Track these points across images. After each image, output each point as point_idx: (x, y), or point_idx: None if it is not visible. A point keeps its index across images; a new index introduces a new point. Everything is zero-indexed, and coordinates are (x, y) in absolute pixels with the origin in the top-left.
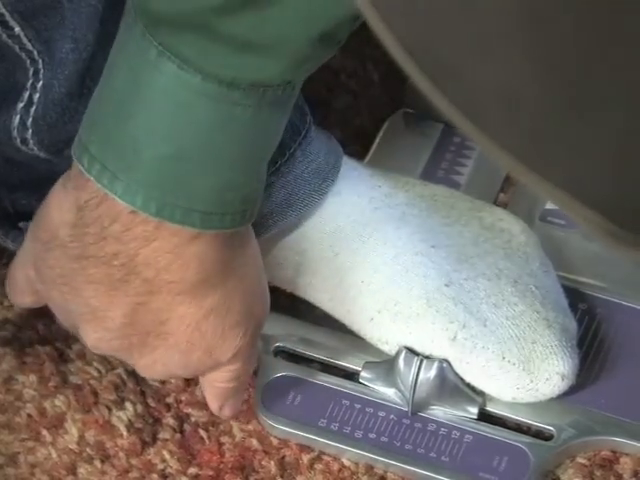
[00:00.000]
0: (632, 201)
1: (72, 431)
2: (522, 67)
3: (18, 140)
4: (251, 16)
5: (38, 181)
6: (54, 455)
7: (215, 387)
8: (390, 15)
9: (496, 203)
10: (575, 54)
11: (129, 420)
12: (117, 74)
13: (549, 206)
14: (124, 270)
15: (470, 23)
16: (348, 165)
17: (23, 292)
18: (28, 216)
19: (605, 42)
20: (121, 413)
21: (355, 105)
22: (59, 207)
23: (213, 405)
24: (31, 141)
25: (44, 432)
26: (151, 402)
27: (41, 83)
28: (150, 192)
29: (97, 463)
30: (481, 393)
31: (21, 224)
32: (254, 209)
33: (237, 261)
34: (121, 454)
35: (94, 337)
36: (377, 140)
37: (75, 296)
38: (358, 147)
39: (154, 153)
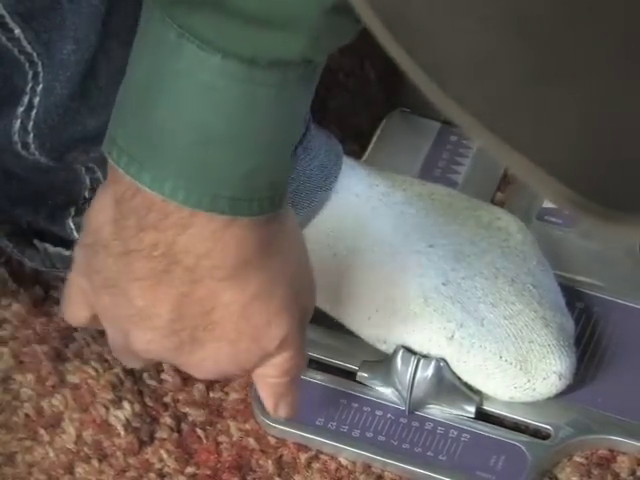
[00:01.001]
0: (595, 170)
1: (69, 430)
2: (495, 31)
3: (19, 145)
4: None
5: (36, 195)
6: (52, 454)
7: (267, 383)
8: None
9: (493, 202)
10: (548, 21)
11: (126, 419)
12: (139, 63)
13: (546, 205)
14: (165, 260)
15: None
16: (345, 164)
17: (78, 306)
18: (41, 234)
19: (577, 10)
20: (118, 412)
21: (352, 104)
22: (101, 207)
23: (268, 404)
24: (32, 145)
25: (41, 431)
26: (148, 401)
27: (41, 86)
28: (177, 180)
29: (95, 462)
30: (478, 392)
31: (35, 241)
32: (283, 195)
33: (278, 244)
34: (118, 453)
35: (145, 340)
36: (374, 139)
37: (122, 297)
38: (355, 146)
39: (179, 139)
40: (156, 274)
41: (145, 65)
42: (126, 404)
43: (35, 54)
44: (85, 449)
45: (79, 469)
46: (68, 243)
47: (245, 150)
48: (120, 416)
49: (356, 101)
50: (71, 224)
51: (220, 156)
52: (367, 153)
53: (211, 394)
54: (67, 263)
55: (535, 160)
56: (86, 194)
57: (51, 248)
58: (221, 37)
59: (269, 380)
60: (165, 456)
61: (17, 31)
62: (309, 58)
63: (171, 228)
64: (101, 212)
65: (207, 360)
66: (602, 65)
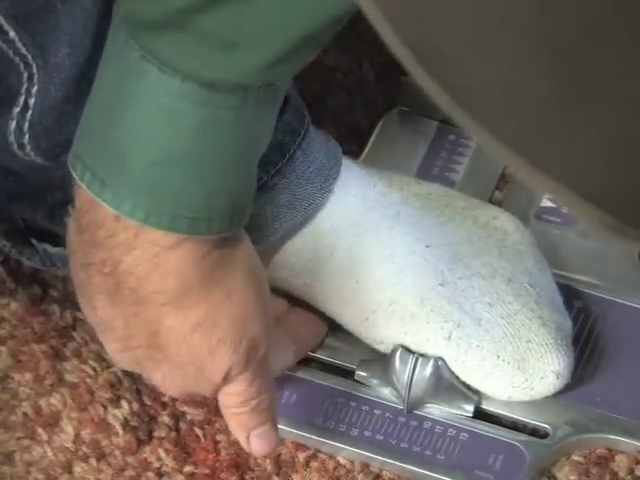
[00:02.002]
0: (630, 194)
1: (68, 429)
2: (525, 58)
3: (15, 145)
4: (229, 14)
5: (34, 192)
6: (50, 453)
7: (231, 414)
8: (389, 7)
9: (491, 201)
10: (577, 45)
11: (125, 418)
12: (104, 81)
13: (544, 204)
14: (113, 278)
15: (472, 13)
16: (343, 164)
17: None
18: (39, 232)
19: (606, 31)
20: (117, 411)
21: (350, 103)
22: (71, 216)
23: (239, 437)
24: (28, 146)
25: (40, 430)
26: (147, 400)
27: (36, 88)
28: (137, 198)
29: (93, 461)
30: (477, 391)
31: (33, 241)
32: (243, 214)
33: (221, 274)
34: (117, 452)
35: (110, 349)
36: (372, 138)
37: (89, 306)
38: (353, 145)
39: (140, 159)
40: (108, 290)
41: (109, 83)
42: (124, 403)
43: (30, 56)
44: (83, 448)
45: (77, 468)
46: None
47: (205, 171)
48: (118, 415)
49: (354, 100)
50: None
51: (180, 176)
52: (365, 152)
53: None
54: (67, 261)
55: (571, 186)
56: None
57: (51, 248)
58: (181, 60)
59: (231, 410)
60: (163, 455)
61: (12, 33)
62: (270, 82)
63: (117, 247)
64: (70, 221)
65: (166, 380)
66: (633, 87)
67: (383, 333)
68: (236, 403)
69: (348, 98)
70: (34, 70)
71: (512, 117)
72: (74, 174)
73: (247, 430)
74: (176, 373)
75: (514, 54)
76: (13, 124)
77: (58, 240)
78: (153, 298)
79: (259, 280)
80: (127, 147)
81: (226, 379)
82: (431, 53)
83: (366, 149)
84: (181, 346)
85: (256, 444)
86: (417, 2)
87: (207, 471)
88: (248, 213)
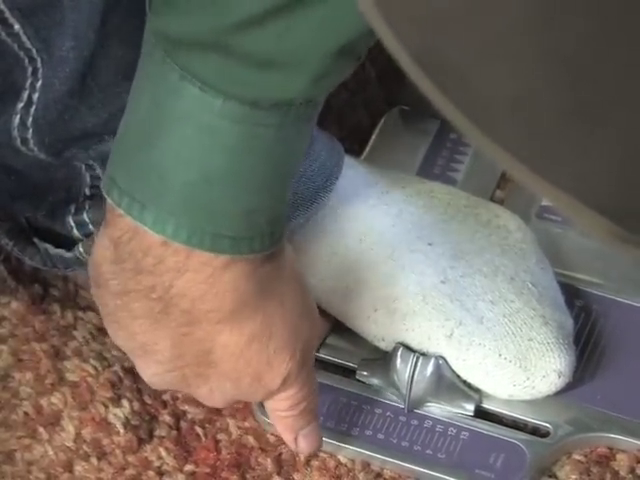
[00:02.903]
0: (638, 203)
1: (68, 428)
2: (532, 70)
3: (18, 140)
4: (268, 32)
5: (35, 191)
6: (51, 452)
7: (280, 418)
8: (395, 19)
9: (492, 200)
10: (584, 55)
11: (125, 417)
12: (140, 103)
13: (546, 203)
14: (162, 303)
15: (479, 27)
16: (345, 162)
17: None
18: (41, 232)
19: (613, 42)
20: (117, 410)
21: (352, 102)
22: (101, 245)
23: (287, 438)
24: (31, 141)
25: (40, 429)
26: (147, 399)
27: (40, 82)
28: (179, 220)
29: (94, 460)
30: (477, 390)
31: (35, 240)
32: (282, 230)
33: (274, 285)
34: (117, 451)
35: (149, 373)
36: (373, 137)
37: (124, 332)
38: (354, 144)
39: (180, 179)
40: (154, 314)
41: (145, 104)
42: (125, 402)
43: (34, 50)
44: (84, 447)
45: (78, 467)
46: (69, 243)
47: (245, 189)
48: (119, 414)
49: (355, 99)
50: (71, 222)
51: (220, 195)
52: (366, 151)
53: None
54: (68, 264)
55: (580, 198)
56: (86, 191)
57: (52, 249)
58: (223, 80)
59: (280, 414)
60: (164, 454)
61: (17, 27)
62: (310, 98)
63: (167, 272)
64: (100, 249)
65: (214, 392)
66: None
67: (384, 330)
68: (285, 407)
69: (349, 97)
70: (38, 64)
71: (519, 127)
72: (110, 201)
73: (295, 432)
74: (228, 386)
75: (523, 68)
76: (17, 119)
77: (59, 240)
78: (208, 317)
79: (305, 285)
80: (166, 167)
81: (282, 386)
82: (439, 67)
83: (367, 148)
84: (238, 360)
85: (303, 444)
86: (425, 17)
87: (208, 470)
88: (284, 227)
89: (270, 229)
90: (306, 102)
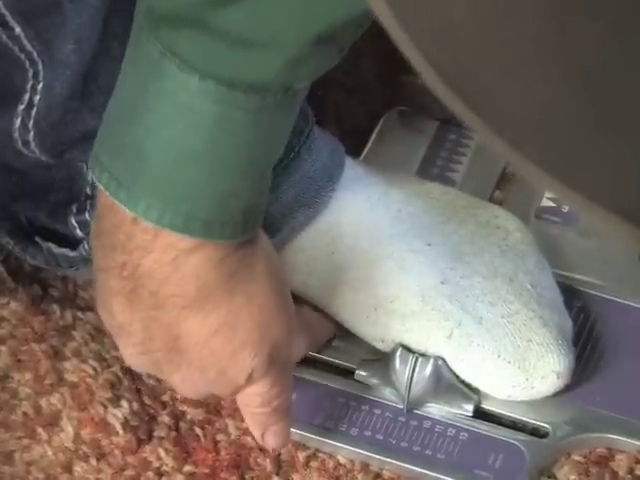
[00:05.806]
0: None
1: (68, 429)
2: (557, 83)
3: (19, 142)
4: (244, 9)
5: (36, 191)
6: (50, 453)
7: (249, 413)
8: (420, 36)
9: (491, 200)
10: (606, 67)
11: (125, 418)
12: (125, 80)
13: (544, 203)
14: (132, 282)
15: (504, 43)
16: (345, 163)
17: None
18: (42, 231)
19: (632, 53)
20: (117, 411)
21: (350, 102)
22: (92, 221)
23: (255, 433)
24: (33, 143)
25: (40, 430)
26: (147, 400)
27: (41, 85)
28: (152, 199)
29: (93, 461)
30: (476, 390)
31: (37, 239)
32: (256, 221)
33: (242, 278)
34: (117, 452)
35: (126, 353)
36: (372, 138)
37: (107, 311)
38: (353, 145)
39: (157, 159)
40: (127, 293)
41: (130, 83)
42: (124, 402)
43: (35, 53)
44: (83, 448)
45: (77, 468)
46: (73, 243)
47: (220, 171)
48: (118, 414)
49: (354, 100)
50: (73, 222)
51: (195, 176)
52: (365, 152)
53: None
54: (72, 263)
55: (603, 204)
56: (87, 191)
57: (56, 248)
58: (200, 57)
59: (249, 409)
60: (163, 454)
61: (18, 30)
62: (288, 84)
63: (136, 250)
64: (92, 225)
65: (185, 382)
66: None
67: (383, 331)
68: (256, 404)
69: (348, 97)
70: (39, 67)
71: (545, 139)
72: (93, 176)
73: (265, 428)
74: (196, 376)
75: (545, 78)
76: (18, 121)
77: (63, 240)
78: (173, 301)
79: (280, 283)
80: (144, 147)
81: (248, 381)
82: (459, 75)
83: (366, 149)
84: (202, 350)
85: (271, 440)
86: (446, 28)
87: (207, 471)
88: (260, 220)
89: (244, 218)
90: (284, 89)
